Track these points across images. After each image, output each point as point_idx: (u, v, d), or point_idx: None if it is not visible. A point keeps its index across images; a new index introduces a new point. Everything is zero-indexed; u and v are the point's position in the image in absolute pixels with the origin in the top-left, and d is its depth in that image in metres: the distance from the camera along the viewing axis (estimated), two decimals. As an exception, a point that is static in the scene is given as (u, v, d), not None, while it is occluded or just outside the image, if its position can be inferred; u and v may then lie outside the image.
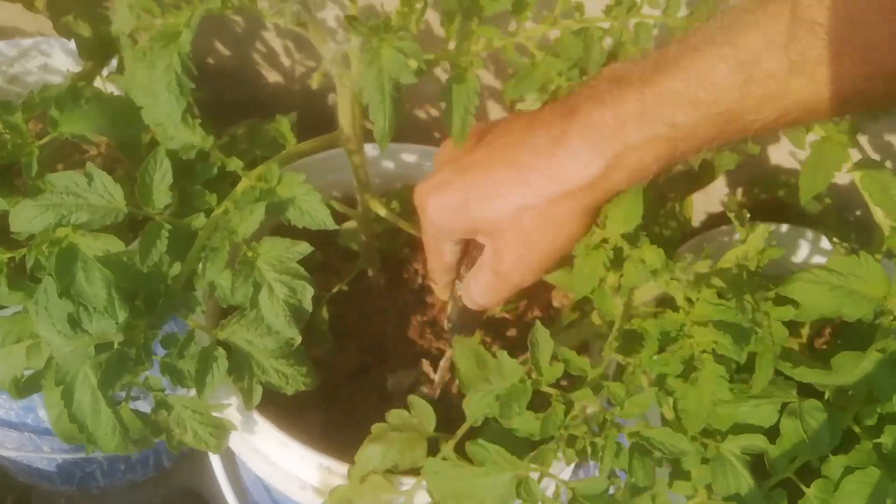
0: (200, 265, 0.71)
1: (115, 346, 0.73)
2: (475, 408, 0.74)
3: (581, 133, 0.67)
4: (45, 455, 1.29)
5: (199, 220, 0.72)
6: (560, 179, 0.69)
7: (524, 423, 0.71)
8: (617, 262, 0.69)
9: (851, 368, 0.71)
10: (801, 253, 1.16)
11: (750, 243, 0.69)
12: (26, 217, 0.69)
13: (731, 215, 0.76)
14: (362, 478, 0.82)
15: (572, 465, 0.86)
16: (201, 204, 0.75)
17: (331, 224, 0.72)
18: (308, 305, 0.71)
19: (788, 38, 0.58)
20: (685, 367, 0.69)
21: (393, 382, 1.00)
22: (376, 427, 0.82)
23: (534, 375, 0.72)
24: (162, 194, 0.71)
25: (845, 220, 1.21)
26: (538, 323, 0.72)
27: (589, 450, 0.69)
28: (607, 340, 0.71)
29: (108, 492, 1.53)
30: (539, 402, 0.73)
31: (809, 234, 1.15)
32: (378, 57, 0.62)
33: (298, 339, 0.73)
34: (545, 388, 0.71)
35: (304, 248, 0.71)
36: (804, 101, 0.60)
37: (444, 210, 0.75)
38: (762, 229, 0.69)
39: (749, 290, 0.68)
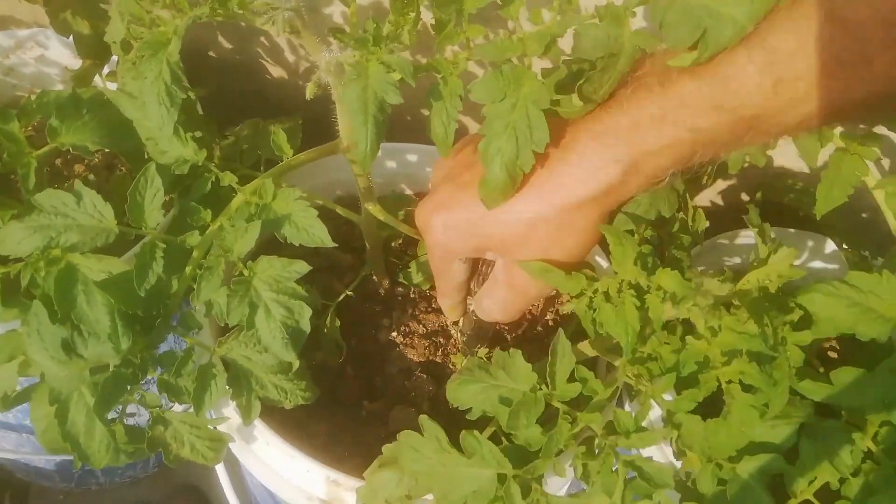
0: (196, 284, 0.68)
1: (111, 367, 0.71)
2: (469, 399, 0.72)
3: (594, 138, 0.64)
4: (44, 456, 1.28)
5: (193, 238, 0.70)
6: (573, 188, 0.65)
7: (527, 434, 0.69)
8: (639, 296, 0.67)
9: (858, 387, 0.69)
10: (807, 258, 1.13)
11: (772, 266, 0.66)
12: (13, 239, 0.68)
13: (754, 231, 0.73)
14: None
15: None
16: (196, 220, 0.72)
17: (328, 242, 0.70)
18: (306, 326, 0.69)
19: (821, 39, 0.54)
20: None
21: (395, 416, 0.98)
22: (388, 448, 0.80)
23: (547, 388, 0.70)
24: (154, 213, 0.69)
25: (853, 223, 1.18)
26: (561, 332, 0.70)
27: (580, 470, 0.67)
28: (620, 362, 0.69)
29: (107, 488, 1.52)
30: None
31: (816, 237, 1.12)
32: (365, 72, 0.59)
33: (296, 364, 0.71)
34: (556, 404, 0.69)
35: (302, 267, 0.68)
36: (833, 104, 0.56)
37: (450, 230, 0.72)
38: (787, 253, 0.66)
39: (769, 313, 0.66)
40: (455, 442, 0.78)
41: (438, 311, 1.05)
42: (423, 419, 0.78)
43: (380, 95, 0.59)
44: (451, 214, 0.71)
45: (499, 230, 0.70)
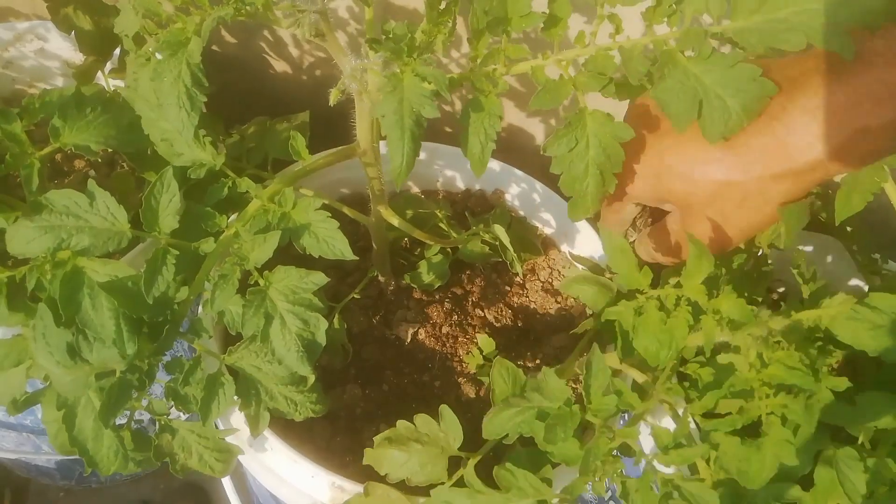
0: (209, 292, 0.67)
1: (118, 373, 0.69)
2: (504, 425, 0.72)
3: (806, 110, 0.60)
4: (44, 455, 1.26)
5: (207, 245, 0.68)
6: (776, 158, 0.63)
7: (564, 449, 0.69)
8: (694, 315, 0.66)
9: (883, 411, 0.68)
10: (820, 261, 1.12)
11: (827, 309, 0.65)
12: (23, 239, 0.66)
13: (795, 271, 0.72)
14: (374, 491, 0.80)
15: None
16: (211, 226, 0.71)
17: (349, 255, 0.69)
18: (322, 339, 0.67)
19: None
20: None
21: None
22: (402, 425, 0.79)
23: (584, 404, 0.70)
24: (169, 218, 0.67)
25: (865, 224, 1.17)
26: (595, 347, 0.70)
27: (619, 488, 0.67)
28: (659, 380, 0.68)
29: (107, 486, 1.51)
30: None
31: (828, 240, 1.11)
32: (400, 85, 0.58)
33: (311, 379, 0.70)
34: (591, 418, 0.69)
35: (320, 278, 0.67)
36: None
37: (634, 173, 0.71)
38: (844, 299, 0.65)
39: (809, 351, 0.65)
40: (468, 443, 0.78)
41: (447, 312, 1.04)
42: (444, 409, 0.78)
43: (416, 109, 0.58)
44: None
45: (684, 186, 0.68)
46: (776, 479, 0.66)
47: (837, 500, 0.68)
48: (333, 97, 0.67)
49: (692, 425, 0.70)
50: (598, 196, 0.69)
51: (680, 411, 0.69)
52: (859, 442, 0.70)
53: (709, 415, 0.67)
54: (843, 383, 0.66)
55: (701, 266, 0.64)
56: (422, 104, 0.57)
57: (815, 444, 0.67)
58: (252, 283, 0.68)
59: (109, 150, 1.13)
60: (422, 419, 0.79)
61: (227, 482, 1.08)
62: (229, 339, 0.83)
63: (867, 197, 0.83)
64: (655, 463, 0.67)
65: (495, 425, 0.73)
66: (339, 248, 0.68)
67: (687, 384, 0.69)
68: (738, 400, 0.65)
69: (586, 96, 0.69)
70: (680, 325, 0.65)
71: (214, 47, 1.30)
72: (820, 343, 0.69)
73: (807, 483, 0.69)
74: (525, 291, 1.10)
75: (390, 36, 0.62)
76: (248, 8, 0.64)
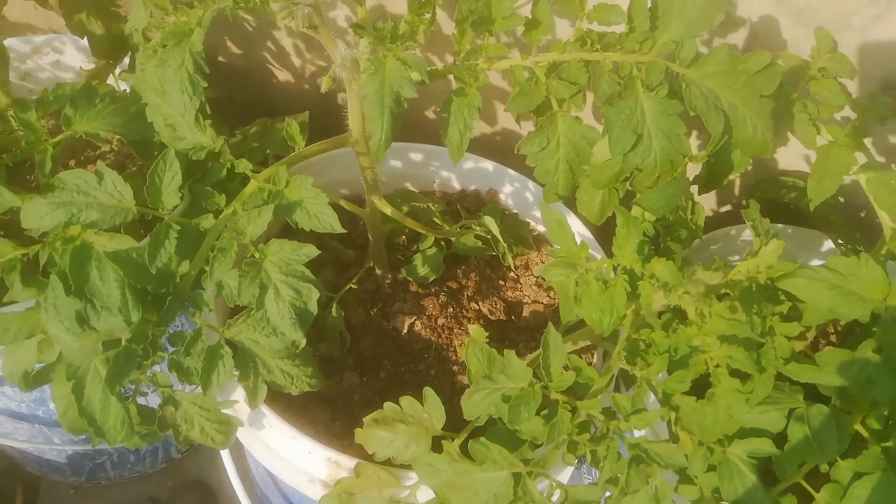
0: (209, 265, 0.71)
1: (123, 342, 0.74)
2: (476, 407, 0.75)
3: None
4: (55, 447, 1.29)
5: (207, 221, 0.73)
6: None
7: (530, 427, 0.72)
8: (631, 282, 0.70)
9: (841, 367, 0.70)
10: (805, 254, 1.15)
11: (762, 257, 0.69)
12: (37, 214, 0.71)
13: (749, 224, 0.76)
14: (364, 471, 0.83)
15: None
16: (210, 204, 0.75)
17: (337, 227, 0.73)
18: (313, 308, 0.71)
19: None
20: (695, 381, 0.70)
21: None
22: (388, 406, 0.83)
23: (544, 381, 0.73)
24: (171, 195, 0.72)
25: (851, 221, 1.20)
26: (550, 326, 0.73)
27: (589, 457, 0.70)
28: (615, 350, 0.71)
29: (116, 483, 1.54)
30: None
31: (814, 234, 1.14)
32: (382, 68, 0.63)
33: (303, 343, 0.74)
34: (553, 395, 0.72)
35: (311, 250, 0.71)
36: None
37: None
38: (776, 245, 0.69)
39: (758, 303, 0.69)
40: (452, 422, 0.81)
41: (442, 304, 1.08)
42: (427, 391, 0.82)
43: (396, 89, 0.63)
44: None
45: None
46: (749, 435, 0.69)
47: (813, 457, 0.71)
48: (325, 85, 0.71)
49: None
50: (567, 186, 0.77)
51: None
52: (832, 402, 0.72)
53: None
54: (794, 329, 0.69)
55: (630, 234, 0.69)
56: (401, 85, 0.63)
57: (787, 402, 0.70)
58: (248, 256, 0.72)
59: (118, 147, 1.19)
60: (407, 401, 0.83)
61: (235, 481, 1.12)
62: (229, 315, 0.86)
63: (838, 180, 0.86)
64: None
65: (469, 407, 0.76)
66: (329, 221, 0.73)
67: (643, 351, 0.73)
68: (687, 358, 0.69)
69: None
70: (619, 293, 0.69)
71: (220, 58, 1.36)
72: (770, 293, 0.72)
73: (783, 442, 0.72)
74: (519, 286, 1.14)
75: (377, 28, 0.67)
76: (245, 1, 0.69)
